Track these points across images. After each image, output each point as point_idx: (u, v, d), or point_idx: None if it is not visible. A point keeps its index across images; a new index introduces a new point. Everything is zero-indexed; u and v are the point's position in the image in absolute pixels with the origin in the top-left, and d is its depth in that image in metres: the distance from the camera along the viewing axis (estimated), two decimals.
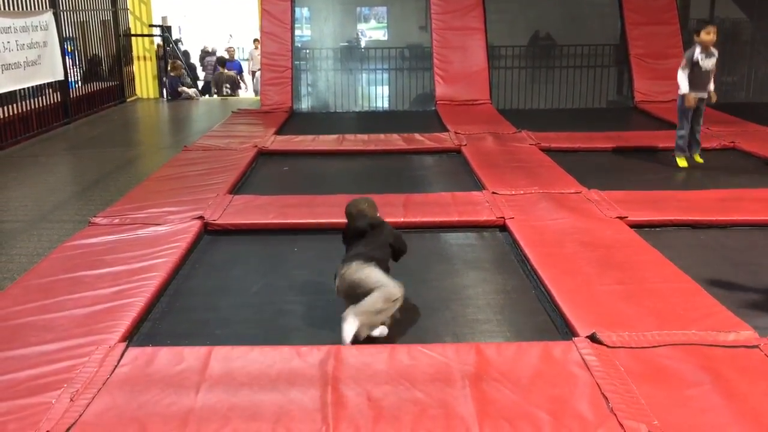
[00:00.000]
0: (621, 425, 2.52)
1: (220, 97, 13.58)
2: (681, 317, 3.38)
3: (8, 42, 8.53)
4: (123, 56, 12.48)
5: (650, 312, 3.44)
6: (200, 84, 14.83)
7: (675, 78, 8.76)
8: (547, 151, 7.17)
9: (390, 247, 3.61)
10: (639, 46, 10.43)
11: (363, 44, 13.20)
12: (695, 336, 3.16)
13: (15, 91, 8.81)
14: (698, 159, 6.63)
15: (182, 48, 15.05)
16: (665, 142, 7.29)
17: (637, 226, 4.79)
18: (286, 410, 2.64)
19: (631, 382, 2.79)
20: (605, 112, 10.66)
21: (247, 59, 15.90)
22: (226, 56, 14.92)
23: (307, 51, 11.83)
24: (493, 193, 5.51)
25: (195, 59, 16.62)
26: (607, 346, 3.08)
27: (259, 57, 12.00)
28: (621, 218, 4.87)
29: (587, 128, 8.28)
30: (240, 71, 14.65)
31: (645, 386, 2.77)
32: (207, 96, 14.00)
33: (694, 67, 6.41)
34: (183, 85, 13.02)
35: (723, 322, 3.31)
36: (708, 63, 6.43)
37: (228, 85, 13.80)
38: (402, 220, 4.83)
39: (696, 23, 7.27)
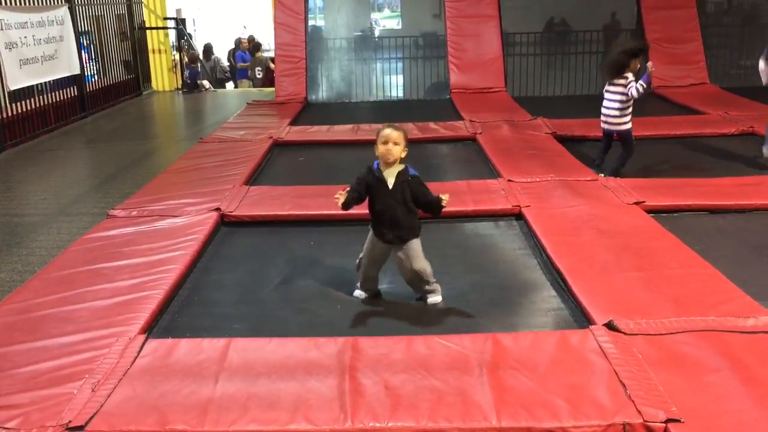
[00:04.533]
0: (639, 412, 2.51)
1: (242, 88, 13.62)
2: (699, 303, 3.36)
3: (25, 37, 8.60)
4: (138, 49, 12.54)
5: (668, 298, 3.43)
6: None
7: (693, 62, 8.62)
8: (563, 138, 7.13)
9: None
10: (656, 30, 10.31)
11: (377, 33, 13.16)
12: (714, 322, 3.14)
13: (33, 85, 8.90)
14: None
15: (194, 42, 15.02)
16: (683, 129, 7.23)
17: (654, 212, 4.76)
18: (304, 399, 2.66)
19: (648, 369, 2.78)
20: None
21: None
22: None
23: (321, 41, 11.82)
24: (509, 181, 5.50)
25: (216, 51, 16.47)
26: (625, 334, 3.07)
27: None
28: (638, 203, 4.84)
29: None
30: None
31: (663, 373, 2.76)
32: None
33: None
34: (199, 77, 13.07)
35: (742, 307, 3.29)
36: None
37: (260, 69, 13.76)
38: None
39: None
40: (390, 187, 3.54)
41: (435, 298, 3.70)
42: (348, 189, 3.58)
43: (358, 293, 3.81)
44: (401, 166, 3.57)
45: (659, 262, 3.88)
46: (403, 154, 3.57)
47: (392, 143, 3.53)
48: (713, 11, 11.60)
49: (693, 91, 9.44)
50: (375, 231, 3.63)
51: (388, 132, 3.56)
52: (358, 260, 3.77)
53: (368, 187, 3.58)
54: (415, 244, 3.59)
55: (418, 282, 3.67)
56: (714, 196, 4.99)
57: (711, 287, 3.54)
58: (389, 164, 3.55)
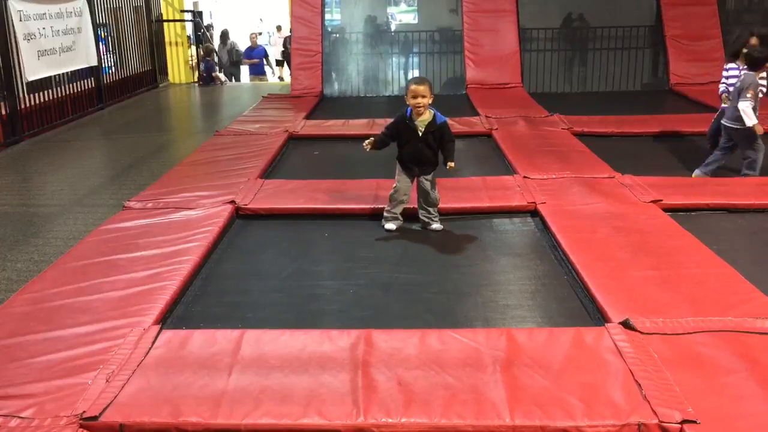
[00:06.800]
0: (654, 412, 2.49)
1: (258, 82, 13.67)
2: (717, 303, 3.32)
3: (43, 28, 8.66)
4: (155, 42, 12.58)
5: (685, 298, 3.39)
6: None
7: (712, 59, 8.47)
8: (580, 135, 7.07)
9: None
10: (675, 27, 10.22)
11: (393, 28, 13.12)
12: (731, 322, 3.11)
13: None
14: None
15: (212, 33, 15.08)
16: (701, 126, 7.14)
17: (672, 210, 4.72)
18: (317, 393, 2.66)
19: (665, 369, 2.76)
20: (640, 95, 10.48)
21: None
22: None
23: (337, 35, 11.80)
24: (525, 177, 5.46)
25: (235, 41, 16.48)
26: (641, 333, 3.04)
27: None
28: (655, 202, 4.80)
29: (621, 112, 8.15)
30: (265, 57, 14.69)
31: (679, 373, 2.73)
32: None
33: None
34: (215, 70, 13.11)
35: (760, 308, 3.25)
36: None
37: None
38: None
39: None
40: (420, 134, 4.35)
41: (437, 226, 4.54)
42: (374, 137, 4.42)
43: (389, 226, 4.55)
44: (430, 113, 4.34)
45: (676, 261, 3.84)
46: (430, 101, 4.30)
47: (420, 97, 4.25)
48: (733, 8, 11.46)
49: (712, 88, 9.26)
50: (403, 166, 4.47)
51: (415, 87, 4.26)
52: (390, 195, 4.56)
53: (399, 131, 4.40)
54: (433, 176, 4.48)
55: (432, 206, 4.53)
56: (732, 195, 4.94)
57: (729, 287, 3.50)
58: (420, 113, 4.30)
